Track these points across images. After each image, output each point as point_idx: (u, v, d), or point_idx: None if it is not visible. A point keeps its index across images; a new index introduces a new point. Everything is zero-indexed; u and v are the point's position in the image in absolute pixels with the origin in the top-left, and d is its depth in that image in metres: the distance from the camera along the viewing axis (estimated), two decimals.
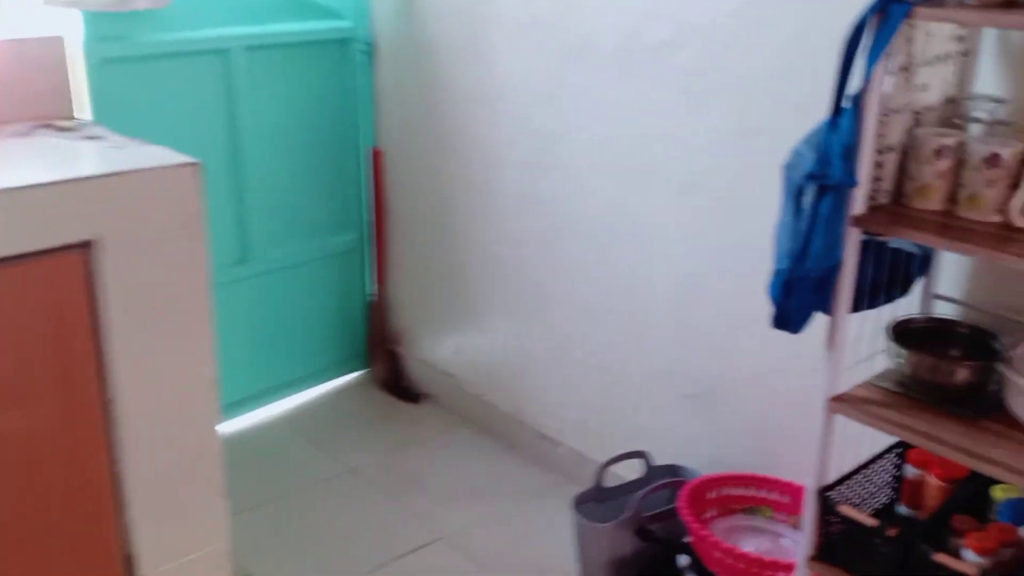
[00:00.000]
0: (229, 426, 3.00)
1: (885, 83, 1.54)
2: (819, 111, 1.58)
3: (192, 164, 1.79)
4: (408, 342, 3.32)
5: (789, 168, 1.62)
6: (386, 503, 2.71)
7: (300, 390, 3.24)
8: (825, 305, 1.64)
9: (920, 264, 1.78)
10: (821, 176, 1.54)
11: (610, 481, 2.42)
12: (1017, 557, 1.62)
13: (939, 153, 1.58)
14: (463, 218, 2.96)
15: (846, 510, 1.73)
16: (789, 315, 1.64)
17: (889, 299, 1.77)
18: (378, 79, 3.09)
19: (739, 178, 2.20)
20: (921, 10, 1.43)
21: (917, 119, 1.65)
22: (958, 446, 1.54)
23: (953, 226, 1.54)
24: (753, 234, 2.20)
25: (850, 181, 1.51)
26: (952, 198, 1.60)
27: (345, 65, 3.06)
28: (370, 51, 3.06)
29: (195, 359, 1.90)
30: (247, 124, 2.83)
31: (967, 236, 1.49)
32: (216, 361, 1.92)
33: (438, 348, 3.21)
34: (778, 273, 1.63)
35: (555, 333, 2.78)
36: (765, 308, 1.68)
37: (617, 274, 2.58)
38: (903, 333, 1.74)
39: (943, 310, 1.84)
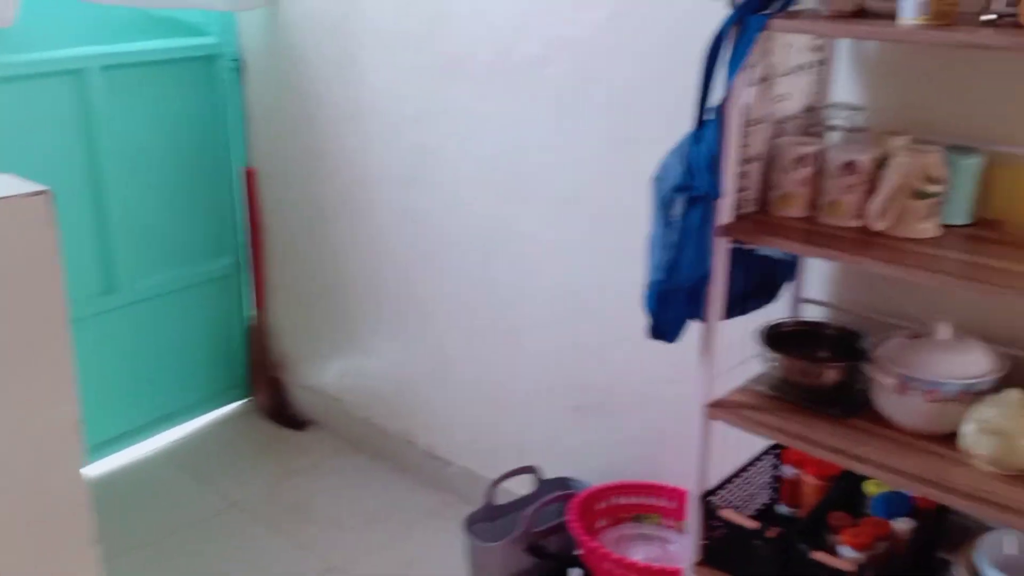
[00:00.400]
0: (103, 465, 2.85)
1: (746, 94, 1.58)
2: (689, 121, 1.61)
3: (42, 192, 1.67)
4: (291, 367, 3.22)
5: (658, 180, 1.64)
6: (272, 536, 2.61)
7: (179, 423, 3.10)
8: (699, 314, 1.67)
9: (787, 270, 1.83)
10: (688, 187, 1.56)
11: (502, 498, 2.40)
12: (890, 550, 1.68)
13: (800, 161, 1.62)
14: (342, 238, 2.89)
15: (727, 514, 1.75)
16: (665, 326, 1.66)
17: (759, 305, 1.81)
18: (248, 96, 2.99)
19: (615, 189, 2.22)
20: (777, 22, 1.47)
21: (779, 129, 1.69)
22: (829, 445, 1.58)
23: (816, 232, 1.58)
24: (632, 245, 2.22)
25: (715, 192, 1.54)
26: (814, 205, 1.65)
27: (212, 83, 2.94)
28: (238, 68, 2.95)
29: (55, 399, 1.77)
30: (107, 148, 2.69)
31: (829, 242, 1.54)
32: (79, 399, 1.80)
33: (322, 372, 3.12)
34: (652, 285, 1.65)
35: (440, 351, 2.75)
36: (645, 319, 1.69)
37: (498, 290, 2.56)
38: (774, 337, 1.78)
39: (811, 313, 1.89)
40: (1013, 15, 1.30)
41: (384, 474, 2.90)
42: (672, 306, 1.63)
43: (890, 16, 1.43)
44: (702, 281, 1.63)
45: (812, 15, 1.51)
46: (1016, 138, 1.58)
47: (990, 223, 1.59)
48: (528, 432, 2.59)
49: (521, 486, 2.46)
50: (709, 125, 1.55)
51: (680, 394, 2.19)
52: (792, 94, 1.69)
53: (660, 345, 1.70)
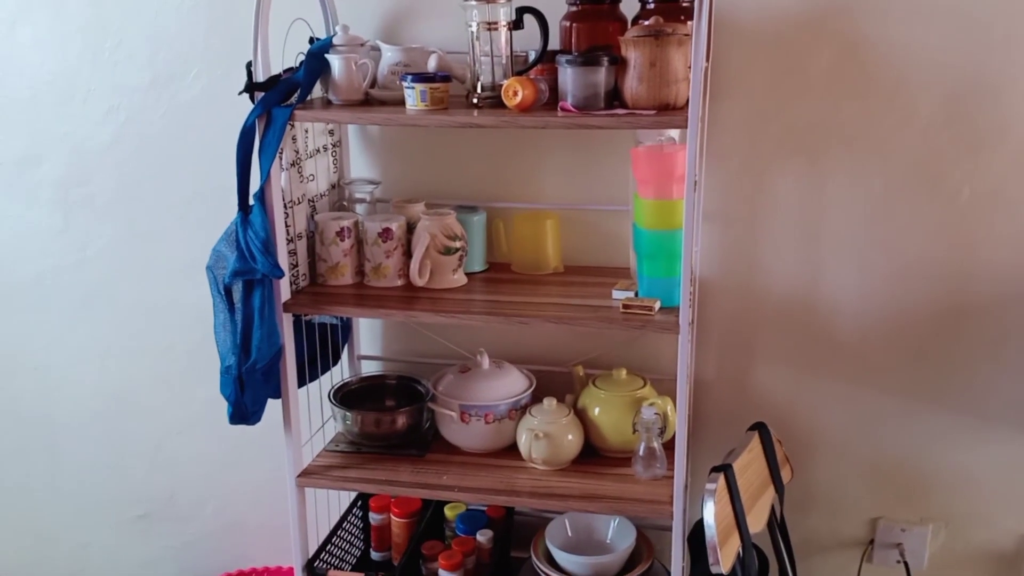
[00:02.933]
0: None
1: (282, 179, 1.67)
2: (218, 215, 1.64)
3: None
4: None
5: (213, 268, 1.65)
6: None
7: None
8: (276, 390, 1.71)
9: (343, 333, 1.96)
10: (247, 271, 1.60)
11: None
12: (477, 561, 1.90)
13: (341, 234, 1.76)
14: None
15: (334, 575, 1.82)
16: (246, 409, 1.67)
17: (325, 369, 1.92)
18: None
19: (144, 283, 2.14)
20: (300, 112, 1.59)
21: (314, 206, 1.82)
22: (413, 483, 1.74)
23: (368, 296, 1.74)
24: (177, 336, 2.17)
25: (276, 272, 1.61)
26: (361, 271, 1.80)
27: None
28: None
29: None
30: None
31: (382, 302, 1.70)
32: None
33: None
34: (227, 371, 1.65)
35: None
36: (204, 408, 1.66)
37: (24, 407, 2.29)
38: (344, 396, 1.90)
39: (371, 368, 2.05)
40: (495, 96, 1.59)
41: None
42: (250, 388, 1.65)
43: (394, 103, 1.65)
44: (275, 358, 1.67)
45: (328, 105, 1.67)
46: (507, 195, 1.91)
47: (500, 266, 1.90)
48: (88, 552, 2.35)
49: None
50: (255, 210, 1.61)
51: (254, 473, 2.20)
52: (317, 175, 1.82)
53: (224, 431, 1.71)
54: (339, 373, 1.99)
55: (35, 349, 2.25)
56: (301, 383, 1.80)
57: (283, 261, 1.65)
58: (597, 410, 1.78)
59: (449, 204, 1.89)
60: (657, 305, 1.59)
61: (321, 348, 1.87)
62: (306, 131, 1.76)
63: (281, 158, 1.66)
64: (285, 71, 1.67)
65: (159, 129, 2.04)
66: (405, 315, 1.67)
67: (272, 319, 1.64)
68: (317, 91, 1.71)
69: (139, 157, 2.07)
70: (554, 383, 1.91)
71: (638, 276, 1.67)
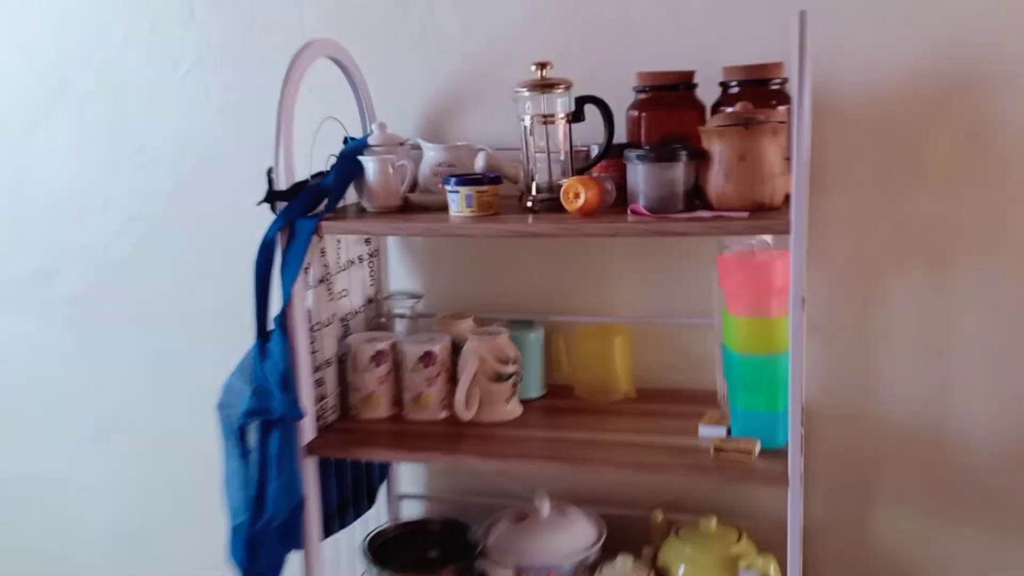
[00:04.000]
0: None
1: (308, 298, 1.45)
2: (244, 334, 1.42)
3: None
4: None
5: (223, 407, 1.41)
6: None
7: None
8: (296, 544, 1.45)
9: (380, 468, 1.70)
10: (263, 411, 1.36)
11: None
12: None
13: (376, 359, 1.52)
14: None
15: None
16: (259, 573, 1.40)
17: (358, 514, 1.65)
18: None
19: (163, 413, 1.92)
20: (327, 224, 1.37)
21: (346, 326, 1.58)
22: None
23: (407, 433, 1.47)
24: (199, 470, 1.92)
25: (296, 412, 1.36)
26: (399, 402, 1.55)
27: None
28: None
29: None
30: None
31: (422, 443, 1.43)
32: None
33: None
34: (236, 530, 1.39)
35: None
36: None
37: (36, 547, 2.06)
38: (379, 549, 1.62)
39: (412, 511, 1.77)
40: (553, 199, 1.35)
41: None
42: (264, 549, 1.39)
43: (437, 208, 1.42)
44: (295, 512, 1.42)
45: (360, 215, 1.44)
46: (568, 307, 1.65)
47: (561, 390, 1.62)
48: None
49: None
50: (274, 337, 1.38)
51: None
52: (351, 289, 1.59)
53: None
54: (375, 516, 1.71)
55: (46, 484, 2.03)
56: (328, 532, 1.54)
57: (307, 396, 1.41)
58: (682, 569, 1.47)
59: (501, 319, 1.63)
60: (757, 448, 1.30)
61: (354, 489, 1.61)
62: (338, 241, 1.54)
63: (307, 274, 1.44)
64: (313, 176, 1.46)
65: (182, 240, 1.85)
66: (449, 459, 1.40)
67: (292, 466, 1.39)
68: (352, 195, 1.49)
69: (160, 271, 1.87)
70: (628, 531, 1.60)
71: (730, 408, 1.38)
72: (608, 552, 1.51)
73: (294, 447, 1.39)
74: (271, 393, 1.35)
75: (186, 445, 1.91)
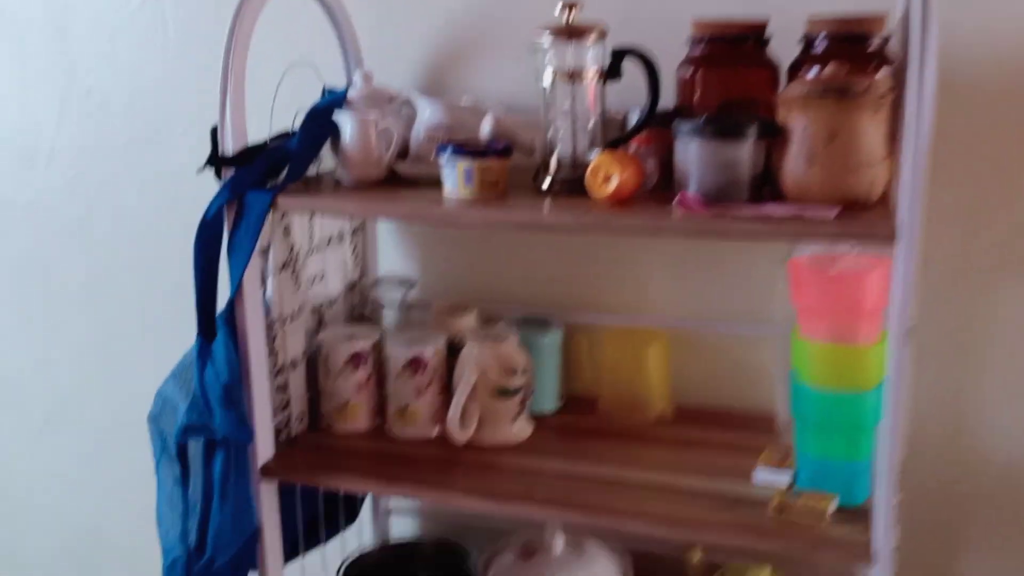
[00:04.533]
0: None
1: (267, 288, 1.16)
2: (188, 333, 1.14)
3: None
4: None
5: (156, 419, 1.15)
6: None
7: None
8: (251, 567, 1.19)
9: None
10: (201, 428, 1.09)
11: None
12: None
13: (353, 361, 1.24)
14: None
15: None
16: None
17: (334, 532, 1.39)
18: None
19: (117, 398, 1.67)
20: (285, 200, 1.07)
21: (319, 319, 1.30)
22: None
23: (387, 454, 1.20)
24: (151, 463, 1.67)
25: (240, 435, 1.09)
26: (381, 411, 1.27)
27: None
28: None
29: None
30: None
31: (404, 470, 1.15)
32: None
33: None
34: (170, 570, 1.14)
35: None
36: None
37: None
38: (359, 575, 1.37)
39: (402, 529, 1.51)
40: (577, 179, 1.05)
41: None
42: None
43: (430, 182, 1.11)
44: (248, 545, 1.16)
45: (332, 187, 1.15)
46: (593, 303, 1.36)
47: (581, 402, 1.34)
48: None
49: None
50: (219, 338, 1.10)
51: None
52: (328, 273, 1.31)
53: None
54: (356, 534, 1.45)
55: None
56: (293, 555, 1.29)
57: (261, 409, 1.13)
58: None
59: (511, 315, 1.35)
60: (831, 507, 1.01)
61: (329, 505, 1.35)
62: (311, 215, 1.25)
63: (268, 258, 1.16)
64: (276, 138, 1.16)
65: (138, 202, 1.56)
66: (437, 496, 1.12)
67: (242, 493, 1.12)
68: (328, 160, 1.20)
69: (112, 237, 1.60)
70: (659, 572, 1.33)
71: (798, 451, 1.08)
72: None
73: (245, 471, 1.13)
74: (212, 407, 1.08)
75: (144, 434, 1.66)
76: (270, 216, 1.12)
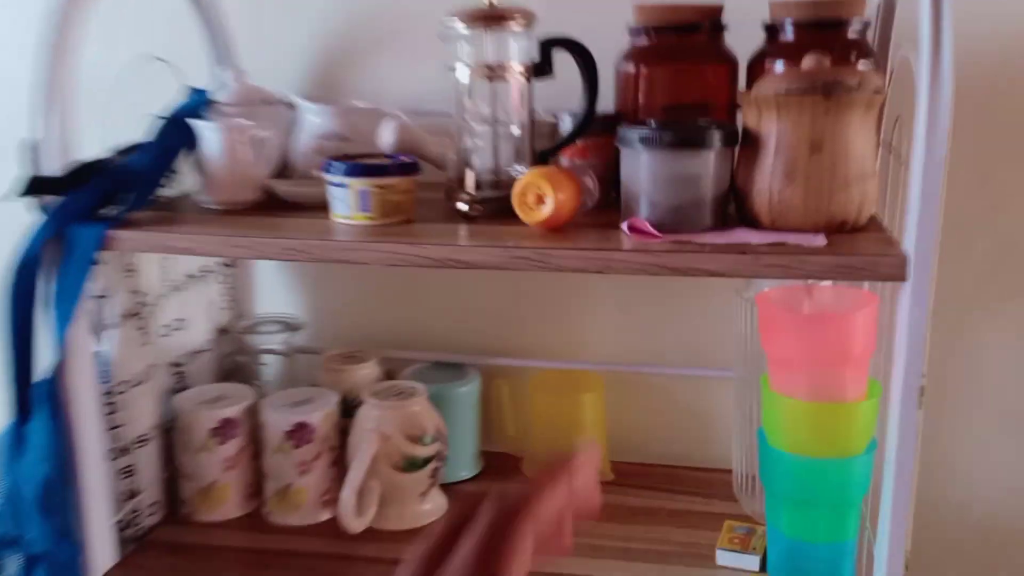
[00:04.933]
0: None
1: (110, 343, 0.91)
2: None
3: None
4: None
5: None
6: None
7: None
8: None
9: None
10: (12, 542, 0.83)
11: None
12: None
13: (220, 432, 0.99)
14: None
15: None
16: None
17: None
18: None
19: None
20: (122, 236, 0.82)
21: (180, 377, 1.05)
22: None
23: (264, 553, 0.95)
24: None
25: (62, 551, 0.83)
26: (257, 493, 1.03)
27: None
28: None
29: None
30: None
31: (286, 573, 0.92)
32: None
33: None
34: None
35: None
36: None
37: None
38: None
39: None
40: (499, 198, 0.83)
41: None
42: None
43: (317, 205, 0.89)
44: None
45: (188, 214, 0.90)
46: (516, 346, 1.15)
47: (502, 463, 1.12)
48: None
49: None
50: (37, 418, 0.84)
51: None
52: (190, 318, 1.06)
53: None
54: None
55: None
56: None
57: (97, 506, 0.88)
58: None
59: (419, 361, 1.13)
60: None
61: None
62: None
63: (104, 306, 0.90)
64: (120, 153, 0.91)
65: None
66: None
67: None
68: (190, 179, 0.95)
69: None
70: None
71: (768, 528, 0.90)
72: None
73: None
74: (28, 513, 0.82)
75: None
76: (110, 255, 0.87)
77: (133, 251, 0.89)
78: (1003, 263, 1.03)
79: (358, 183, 0.81)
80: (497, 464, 1.12)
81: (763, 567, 0.90)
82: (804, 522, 0.86)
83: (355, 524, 0.96)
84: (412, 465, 0.98)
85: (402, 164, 0.83)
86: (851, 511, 0.85)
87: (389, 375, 1.10)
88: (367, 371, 1.08)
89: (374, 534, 0.97)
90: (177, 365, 1.04)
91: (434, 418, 1.00)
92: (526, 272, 1.10)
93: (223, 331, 1.13)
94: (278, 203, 0.93)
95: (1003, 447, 1.08)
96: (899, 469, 0.73)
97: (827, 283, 0.88)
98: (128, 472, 0.95)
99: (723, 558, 0.91)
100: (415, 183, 0.85)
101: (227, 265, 1.12)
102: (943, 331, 1.05)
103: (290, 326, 1.13)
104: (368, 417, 0.98)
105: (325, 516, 1.01)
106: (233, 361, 1.14)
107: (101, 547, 0.89)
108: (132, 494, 0.96)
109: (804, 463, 0.84)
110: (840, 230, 0.77)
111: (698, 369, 1.10)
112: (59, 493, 0.82)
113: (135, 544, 0.96)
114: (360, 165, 0.82)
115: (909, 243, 0.70)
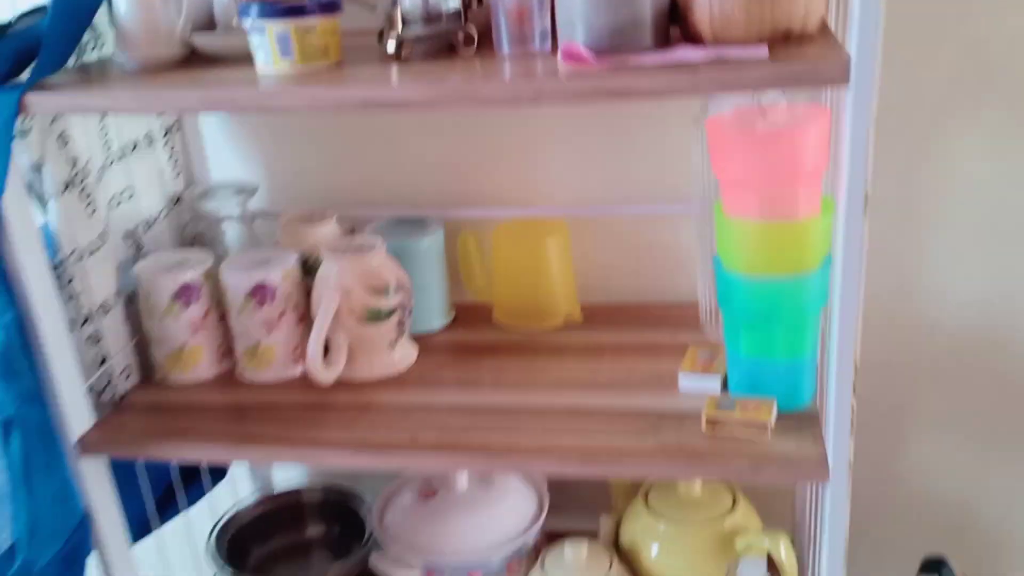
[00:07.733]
0: None
1: (50, 215, 0.90)
2: None
3: None
4: None
5: None
6: None
7: None
8: (86, 555, 0.98)
9: None
10: None
11: None
12: None
13: (182, 296, 0.99)
14: None
15: None
16: None
17: (198, 494, 1.18)
18: None
19: None
20: (36, 97, 0.79)
21: (137, 246, 1.04)
22: None
23: (241, 407, 0.97)
24: None
25: (31, 411, 0.84)
26: (229, 352, 1.04)
27: None
28: None
29: None
30: None
31: (260, 425, 0.93)
32: None
33: None
34: None
35: None
36: None
37: None
38: (235, 541, 1.16)
39: (285, 474, 1.30)
40: (435, 36, 0.80)
41: None
42: None
43: (240, 58, 0.85)
44: (77, 536, 0.93)
45: (108, 76, 0.87)
46: (478, 195, 1.13)
47: (474, 312, 1.12)
48: None
49: None
50: None
51: None
52: (138, 187, 1.04)
53: None
54: (231, 489, 1.24)
55: None
56: (144, 533, 1.08)
57: (64, 372, 0.89)
58: (655, 550, 1.04)
59: (379, 216, 1.11)
60: (772, 415, 0.83)
61: (185, 466, 1.12)
62: (101, 117, 0.97)
63: (41, 177, 0.88)
64: (23, 16, 0.87)
65: None
66: (304, 454, 0.90)
67: (57, 477, 0.89)
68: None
69: None
70: (579, 496, 1.16)
71: (728, 350, 0.90)
72: (553, 539, 1.07)
73: (54, 450, 0.89)
74: None
75: None
76: (37, 123, 0.85)
77: (51, 113, 0.85)
78: (972, 69, 0.99)
79: (275, 26, 0.77)
80: (466, 316, 1.13)
81: (724, 389, 0.91)
82: (762, 341, 0.86)
83: (324, 375, 0.97)
84: (376, 316, 0.98)
85: (322, 3, 0.79)
86: (807, 328, 0.85)
87: (351, 234, 1.09)
88: (327, 230, 1.06)
89: (347, 384, 0.98)
90: (132, 235, 1.03)
91: (395, 270, 1.00)
92: (483, 121, 1.09)
93: (177, 200, 1.11)
94: (203, 59, 0.89)
95: (978, 259, 1.07)
96: (845, 279, 0.72)
97: (780, 102, 0.85)
98: (94, 339, 0.96)
99: (685, 380, 0.92)
100: (338, 24, 0.81)
101: (169, 131, 1.09)
102: (911, 143, 1.03)
103: (244, 190, 1.11)
104: (328, 273, 0.97)
105: (298, 371, 1.02)
106: (193, 230, 1.12)
107: (76, 410, 0.91)
108: (102, 360, 0.97)
109: (759, 283, 0.83)
110: (786, 40, 0.74)
111: (661, 206, 1.08)
112: (21, 359, 0.83)
113: (111, 408, 0.97)
114: (275, 6, 0.77)
115: (851, 46, 0.66)
